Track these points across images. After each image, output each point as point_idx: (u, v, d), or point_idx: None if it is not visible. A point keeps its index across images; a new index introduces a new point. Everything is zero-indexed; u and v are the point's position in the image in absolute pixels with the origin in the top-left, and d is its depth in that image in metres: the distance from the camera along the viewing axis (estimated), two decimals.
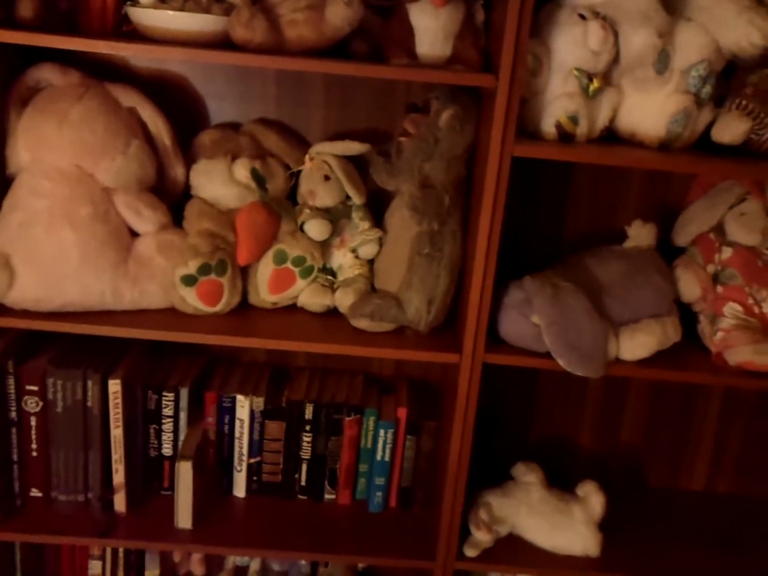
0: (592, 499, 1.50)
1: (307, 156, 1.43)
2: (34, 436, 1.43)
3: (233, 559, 1.66)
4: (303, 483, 1.57)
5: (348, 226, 1.45)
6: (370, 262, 1.45)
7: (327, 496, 1.58)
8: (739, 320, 1.38)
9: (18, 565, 1.56)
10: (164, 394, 1.48)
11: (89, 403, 1.41)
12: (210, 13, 1.24)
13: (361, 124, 1.50)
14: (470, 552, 1.45)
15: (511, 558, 1.47)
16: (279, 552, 1.47)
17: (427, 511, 1.57)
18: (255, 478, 1.56)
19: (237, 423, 1.52)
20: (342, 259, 1.45)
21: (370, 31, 1.31)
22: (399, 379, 1.66)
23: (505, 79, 1.17)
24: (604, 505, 1.49)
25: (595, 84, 1.29)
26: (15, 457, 1.44)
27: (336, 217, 1.43)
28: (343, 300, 1.39)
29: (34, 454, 1.44)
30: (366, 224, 1.44)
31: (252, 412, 1.51)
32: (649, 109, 1.32)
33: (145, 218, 1.34)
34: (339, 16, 1.22)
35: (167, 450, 1.52)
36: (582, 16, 1.26)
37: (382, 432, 1.53)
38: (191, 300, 1.34)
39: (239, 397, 1.51)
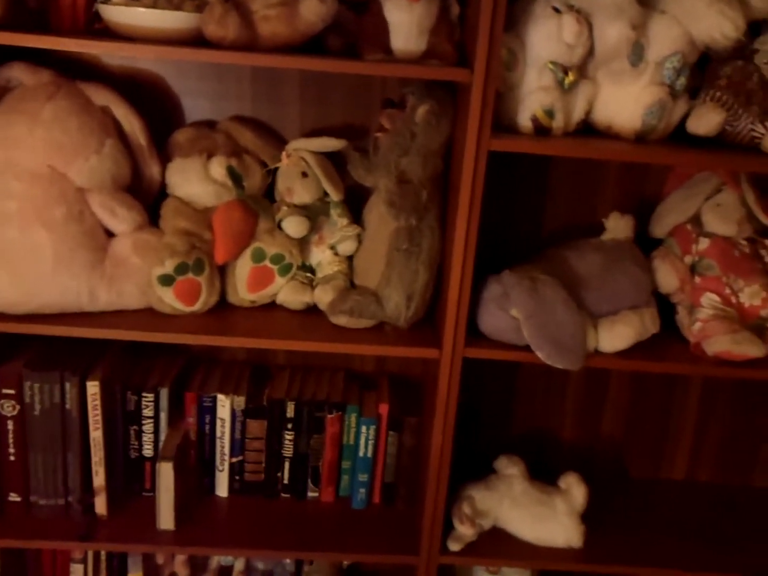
0: (575, 490, 1.51)
1: (284, 153, 1.43)
2: (11, 440, 1.41)
3: (217, 560, 1.65)
4: (286, 481, 1.56)
5: (326, 223, 1.44)
6: (349, 259, 1.44)
7: (310, 494, 1.58)
8: (716, 310, 1.39)
9: None
10: (144, 394, 1.47)
11: (68, 406, 1.39)
12: (182, 10, 1.23)
13: (337, 120, 1.50)
14: (454, 546, 1.45)
15: (494, 551, 1.48)
16: (263, 551, 1.47)
17: (410, 506, 1.57)
18: (237, 477, 1.56)
19: (218, 422, 1.51)
20: (321, 256, 1.44)
21: (344, 27, 1.31)
22: (380, 376, 1.66)
23: (480, 74, 1.17)
24: (586, 496, 1.50)
25: (571, 77, 1.29)
26: None
27: (314, 213, 1.42)
28: (323, 297, 1.38)
29: (12, 458, 1.42)
30: (344, 221, 1.43)
31: (233, 412, 1.51)
32: (624, 102, 1.33)
33: (121, 218, 1.32)
34: (313, 11, 1.21)
35: (148, 451, 1.51)
36: (556, 10, 1.26)
37: (364, 428, 1.53)
38: (169, 300, 1.33)
39: (220, 397, 1.50)
